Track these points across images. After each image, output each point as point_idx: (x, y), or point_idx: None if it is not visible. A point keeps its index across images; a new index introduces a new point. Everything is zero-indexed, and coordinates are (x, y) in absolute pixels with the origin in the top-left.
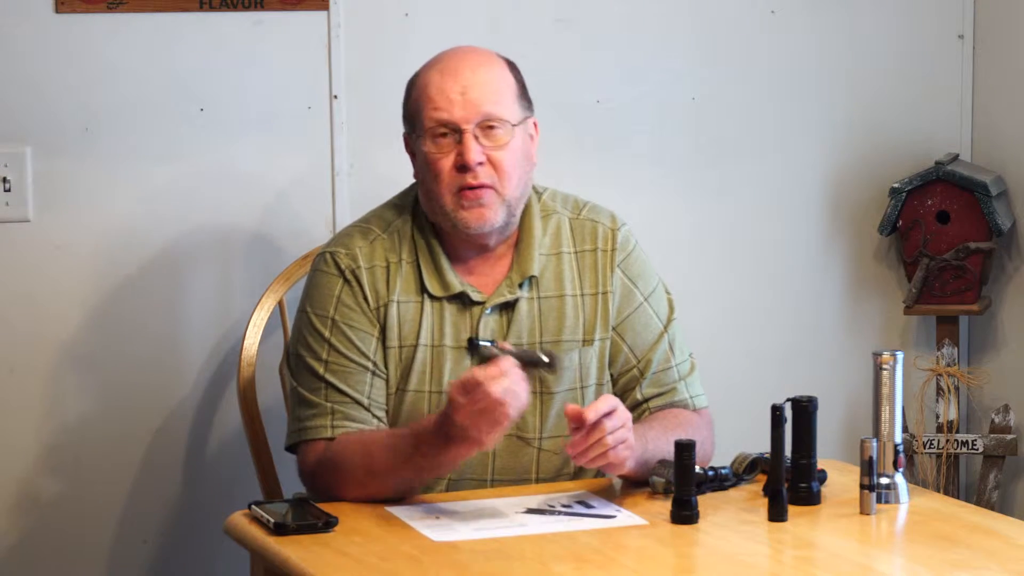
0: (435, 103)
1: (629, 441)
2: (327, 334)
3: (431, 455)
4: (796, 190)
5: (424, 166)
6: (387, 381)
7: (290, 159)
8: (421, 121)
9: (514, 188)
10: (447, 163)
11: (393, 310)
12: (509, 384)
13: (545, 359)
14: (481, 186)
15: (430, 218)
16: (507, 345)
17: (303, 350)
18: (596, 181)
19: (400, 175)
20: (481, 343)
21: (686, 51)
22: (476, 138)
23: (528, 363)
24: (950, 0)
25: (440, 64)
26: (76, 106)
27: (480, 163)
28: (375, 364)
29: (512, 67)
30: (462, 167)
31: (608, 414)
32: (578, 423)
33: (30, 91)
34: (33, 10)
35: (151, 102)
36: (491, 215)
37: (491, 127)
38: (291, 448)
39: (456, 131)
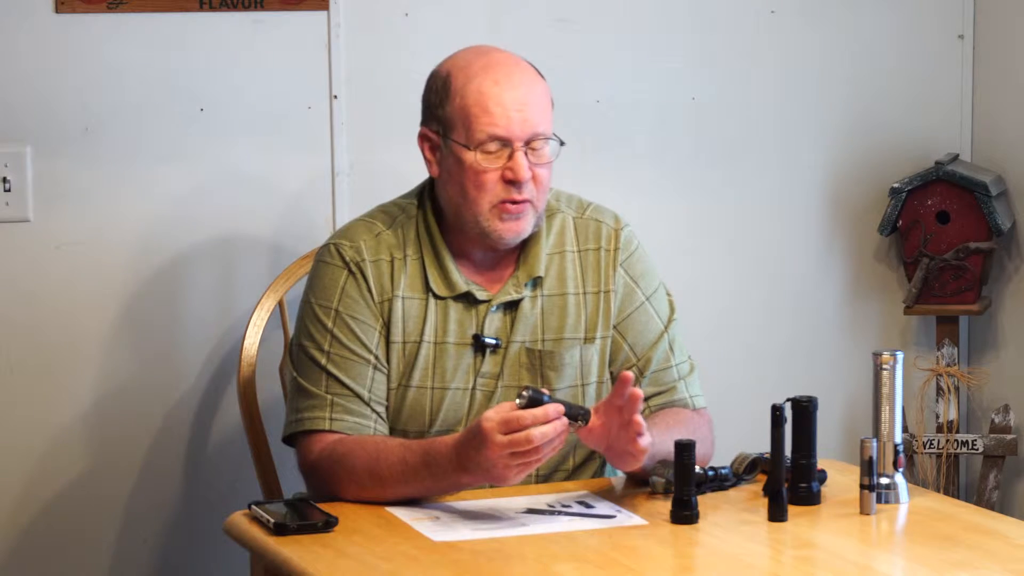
0: (493, 117)
1: (648, 433)
2: (330, 325)
3: (440, 478)
4: (796, 190)
5: (464, 174)
6: (388, 376)
7: (290, 159)
8: (470, 131)
9: (544, 201)
10: (494, 176)
11: (398, 305)
12: (551, 432)
13: (586, 417)
14: (524, 201)
15: (453, 221)
16: (545, 392)
17: (305, 340)
18: (596, 181)
19: (400, 175)
20: (523, 393)
21: (686, 51)
22: (524, 154)
23: (570, 415)
24: (950, 0)
25: (493, 75)
26: (76, 106)
27: (527, 179)
28: (377, 358)
29: (544, 80)
30: (511, 181)
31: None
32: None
33: (30, 91)
34: (33, 10)
35: (151, 102)
36: (526, 228)
37: (537, 146)
38: (288, 439)
39: (506, 145)
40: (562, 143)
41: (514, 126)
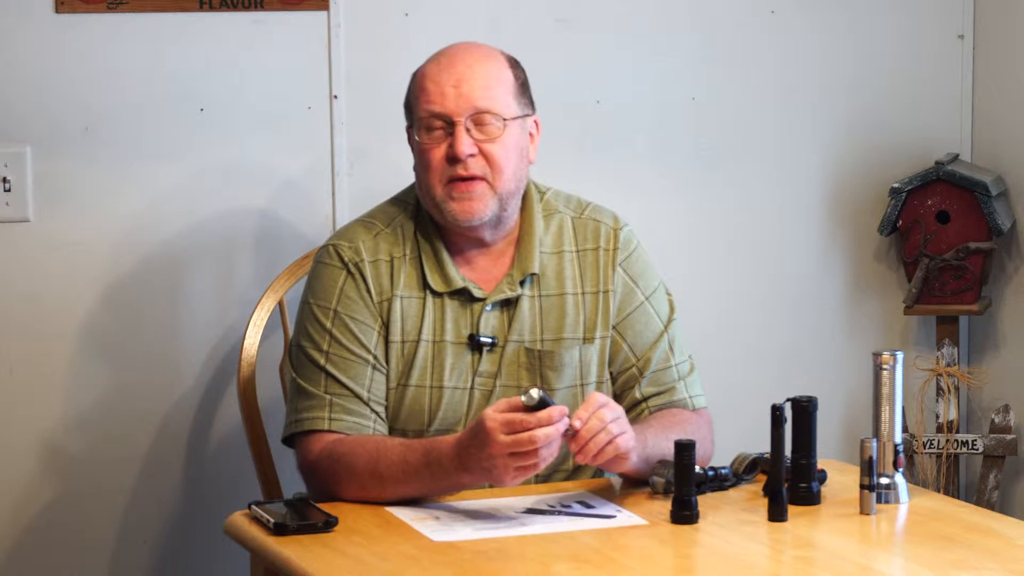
0: (429, 95)
1: (630, 431)
2: (329, 325)
3: (441, 478)
4: (796, 190)
5: (417, 156)
6: (387, 376)
7: (290, 159)
8: (415, 112)
9: (506, 182)
10: (438, 154)
11: (397, 305)
12: (554, 433)
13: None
14: (472, 178)
15: (425, 209)
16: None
17: (305, 341)
18: (596, 181)
19: (400, 175)
20: (532, 391)
21: (686, 51)
22: (468, 130)
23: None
24: (950, 0)
25: (439, 57)
26: (76, 106)
27: (471, 155)
28: (376, 358)
29: (514, 64)
30: (452, 158)
31: (603, 407)
32: (576, 428)
33: (30, 91)
34: (33, 10)
35: (151, 102)
36: (481, 208)
37: (483, 120)
38: (287, 440)
39: (448, 123)
40: (510, 119)
41: (449, 101)
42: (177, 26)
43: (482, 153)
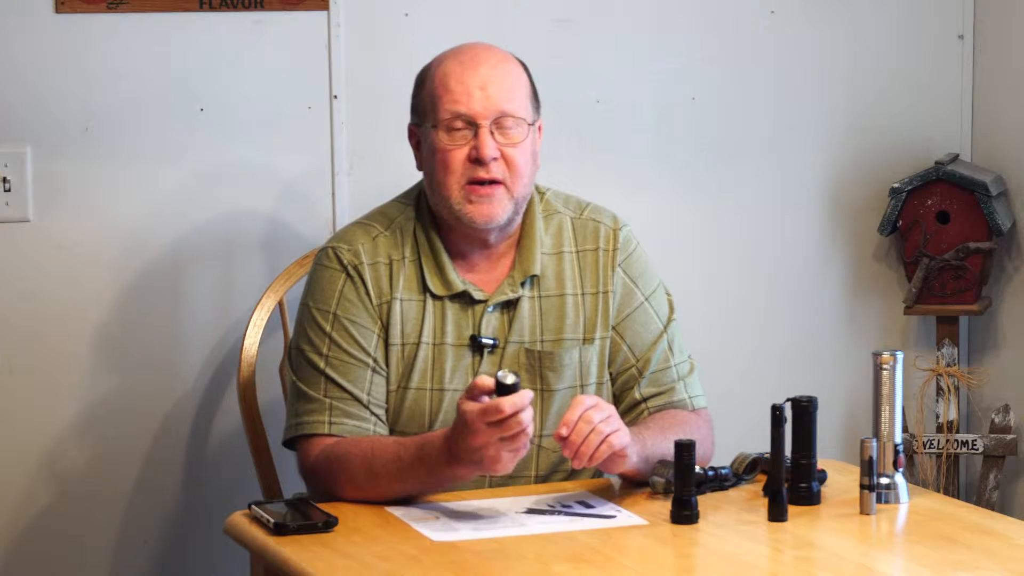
0: (454, 95)
1: (624, 428)
2: (328, 328)
3: (434, 471)
4: (796, 190)
5: (434, 156)
6: (388, 379)
7: (290, 159)
8: (436, 112)
9: (523, 187)
10: (460, 155)
11: (396, 308)
12: (531, 415)
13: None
14: (493, 181)
15: (435, 210)
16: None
17: (304, 344)
18: (596, 181)
19: (400, 175)
20: (509, 374)
21: (686, 51)
22: (491, 134)
23: None
24: (950, 0)
25: (460, 57)
26: (76, 106)
27: (494, 158)
28: (375, 361)
29: (525, 68)
30: (476, 160)
31: (590, 408)
32: (564, 435)
33: (30, 91)
34: (33, 10)
35: (151, 102)
36: (499, 212)
37: (507, 124)
38: (288, 443)
39: (472, 125)
40: (530, 124)
41: (475, 103)
42: (177, 26)
43: (503, 157)
